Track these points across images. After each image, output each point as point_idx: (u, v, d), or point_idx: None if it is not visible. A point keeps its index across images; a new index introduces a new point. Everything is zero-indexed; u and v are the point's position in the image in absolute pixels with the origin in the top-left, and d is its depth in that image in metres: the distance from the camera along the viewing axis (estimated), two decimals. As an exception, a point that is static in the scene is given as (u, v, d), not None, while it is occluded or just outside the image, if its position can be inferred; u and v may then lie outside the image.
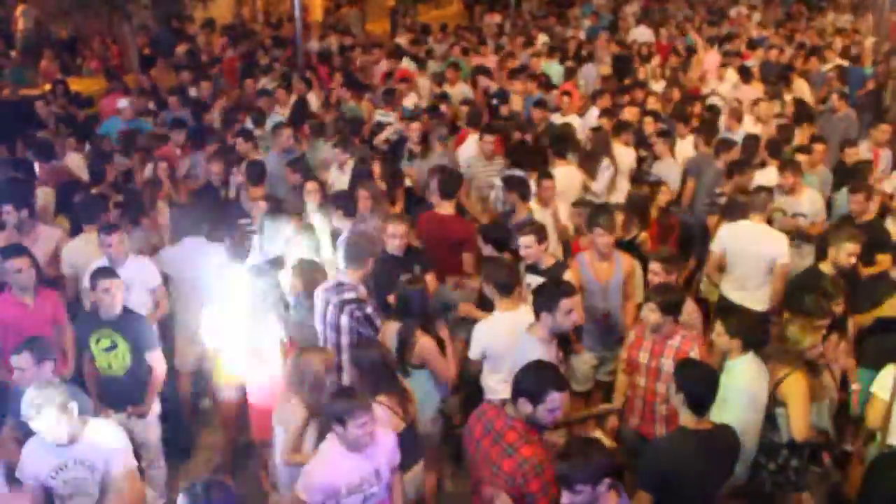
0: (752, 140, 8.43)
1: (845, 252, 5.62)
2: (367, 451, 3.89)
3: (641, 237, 6.57)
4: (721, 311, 6.23)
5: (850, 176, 7.65)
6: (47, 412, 3.85)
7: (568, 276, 5.44)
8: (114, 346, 5.12)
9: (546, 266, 5.62)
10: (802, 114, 9.77)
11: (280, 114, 10.02)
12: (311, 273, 5.67)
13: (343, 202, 6.57)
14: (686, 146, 8.81)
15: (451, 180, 6.60)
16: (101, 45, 16.44)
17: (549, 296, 4.54)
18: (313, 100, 10.92)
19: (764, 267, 6.18)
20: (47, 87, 12.96)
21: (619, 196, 7.91)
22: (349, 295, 5.14)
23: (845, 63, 12.96)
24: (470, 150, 8.26)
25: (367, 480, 3.91)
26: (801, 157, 7.81)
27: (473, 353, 5.02)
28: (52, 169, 8.23)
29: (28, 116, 10.59)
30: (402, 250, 5.77)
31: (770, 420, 4.53)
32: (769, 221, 6.57)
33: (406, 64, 12.99)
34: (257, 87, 11.51)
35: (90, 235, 6.18)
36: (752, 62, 12.94)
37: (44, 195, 7.46)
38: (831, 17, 19.49)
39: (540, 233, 5.61)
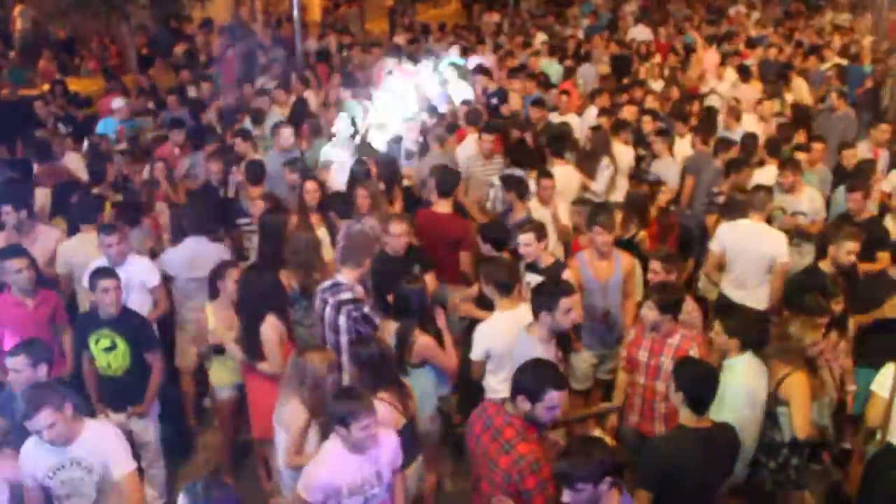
0: (750, 139, 8.44)
1: (845, 250, 5.63)
2: (369, 452, 3.88)
3: (640, 236, 6.58)
4: (720, 310, 6.24)
5: (850, 175, 7.66)
6: (43, 412, 3.83)
7: (567, 274, 5.44)
8: (113, 346, 5.12)
9: (545, 265, 5.62)
10: (799, 116, 9.77)
11: (280, 113, 10.01)
12: (307, 273, 5.67)
13: (337, 204, 6.58)
14: (685, 145, 8.82)
15: (448, 179, 6.61)
16: (100, 46, 16.44)
17: (548, 295, 4.55)
18: (312, 99, 10.91)
19: (763, 265, 6.19)
20: (45, 87, 12.96)
21: (619, 195, 7.92)
22: (346, 295, 5.14)
23: (844, 62, 12.97)
24: (469, 149, 8.26)
25: (368, 481, 3.91)
26: (800, 156, 7.83)
27: (476, 354, 4.98)
28: (50, 169, 8.23)
29: (28, 116, 10.58)
30: (404, 250, 5.76)
31: (771, 419, 4.54)
32: (769, 220, 6.58)
33: (406, 63, 12.98)
34: (256, 86, 11.50)
35: (86, 235, 6.18)
36: (751, 61, 12.95)
37: (41, 196, 7.46)
38: (830, 16, 19.50)
39: (539, 231, 5.62)
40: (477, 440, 3.89)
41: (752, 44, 14.37)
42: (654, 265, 5.38)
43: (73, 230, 6.60)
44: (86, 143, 9.31)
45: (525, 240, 5.57)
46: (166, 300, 6.08)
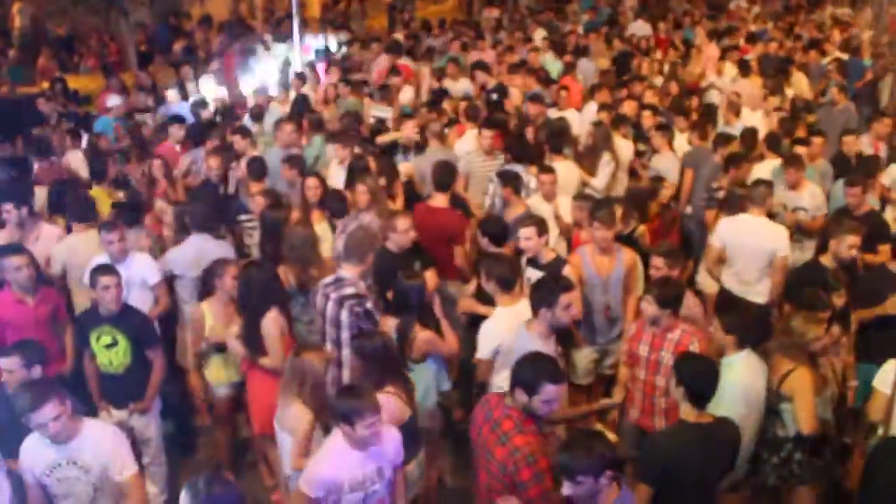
0: (750, 134, 8.43)
1: (846, 244, 5.62)
2: (371, 448, 3.88)
3: (640, 230, 6.57)
4: (720, 306, 6.25)
5: (851, 166, 7.65)
6: (50, 404, 3.83)
7: (568, 270, 5.44)
8: (114, 343, 5.13)
9: (546, 261, 5.62)
10: (798, 110, 9.76)
11: (279, 110, 10.00)
12: (304, 269, 5.68)
13: (333, 202, 6.57)
14: (685, 140, 8.81)
15: (444, 173, 6.62)
16: (99, 43, 16.42)
17: (547, 291, 4.55)
18: (311, 95, 10.90)
19: (764, 260, 6.19)
20: (45, 84, 12.96)
21: (619, 189, 7.92)
22: (349, 290, 5.14)
23: (845, 56, 12.94)
24: (468, 144, 8.25)
25: (369, 478, 3.91)
26: (799, 150, 7.80)
27: (485, 353, 4.92)
28: (49, 167, 8.23)
29: (30, 114, 10.57)
30: (410, 244, 5.77)
31: (775, 415, 4.52)
32: (772, 217, 6.56)
33: (405, 60, 12.97)
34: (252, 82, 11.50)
35: (79, 235, 6.18)
36: (751, 56, 12.92)
37: (40, 194, 7.46)
38: (830, 10, 19.46)
39: (540, 226, 5.61)
40: (478, 431, 3.94)
41: (752, 39, 14.33)
42: (657, 261, 5.38)
43: (71, 229, 6.60)
44: (85, 141, 9.30)
45: (526, 234, 5.57)
46: (167, 297, 6.09)
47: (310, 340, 5.57)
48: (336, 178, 7.67)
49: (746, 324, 4.63)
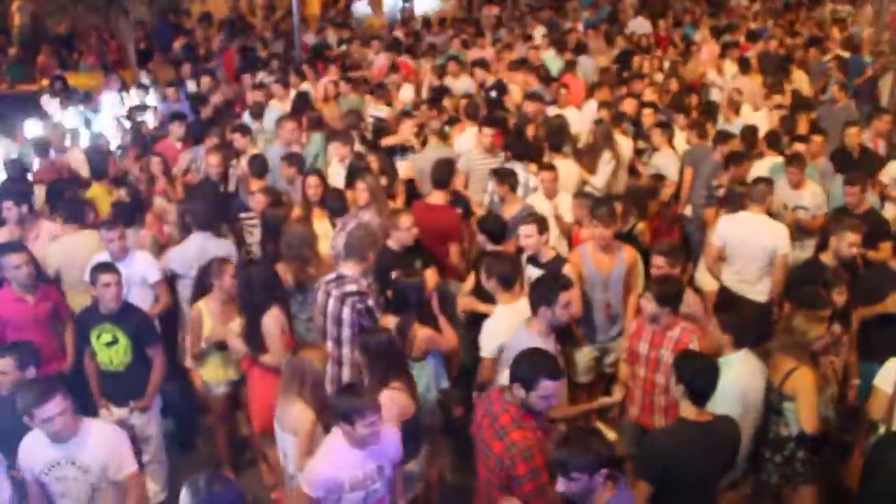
0: (750, 131, 8.42)
1: (847, 242, 5.61)
2: (371, 447, 3.88)
3: (639, 228, 6.57)
4: (719, 305, 6.24)
5: (853, 165, 7.63)
6: (55, 399, 3.83)
7: (568, 268, 5.44)
8: (115, 341, 5.13)
9: (546, 259, 5.61)
10: (799, 106, 9.74)
11: (279, 107, 9.99)
12: (301, 266, 5.68)
13: (332, 201, 6.58)
14: (685, 138, 8.80)
15: (442, 171, 6.62)
16: (99, 41, 16.40)
17: (547, 290, 4.56)
18: (312, 93, 10.90)
19: (764, 258, 6.18)
20: (45, 82, 12.94)
21: (619, 187, 7.91)
22: (351, 287, 5.14)
23: (846, 54, 12.92)
24: (467, 142, 8.25)
25: (370, 476, 3.91)
26: (798, 147, 7.79)
27: (489, 351, 4.91)
28: (49, 165, 8.23)
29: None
30: (412, 242, 5.79)
31: (778, 414, 4.51)
32: (772, 216, 6.55)
33: (405, 57, 12.97)
34: (255, 81, 11.49)
35: (73, 236, 6.16)
36: (751, 53, 12.91)
37: (39, 192, 7.46)
38: (830, 8, 19.43)
39: (541, 223, 5.61)
40: (479, 426, 3.98)
41: (752, 36, 14.32)
42: (657, 259, 5.37)
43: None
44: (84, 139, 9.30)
45: (526, 231, 5.57)
46: (168, 296, 6.09)
47: (308, 338, 5.57)
48: (336, 176, 7.67)
49: (744, 324, 4.62)
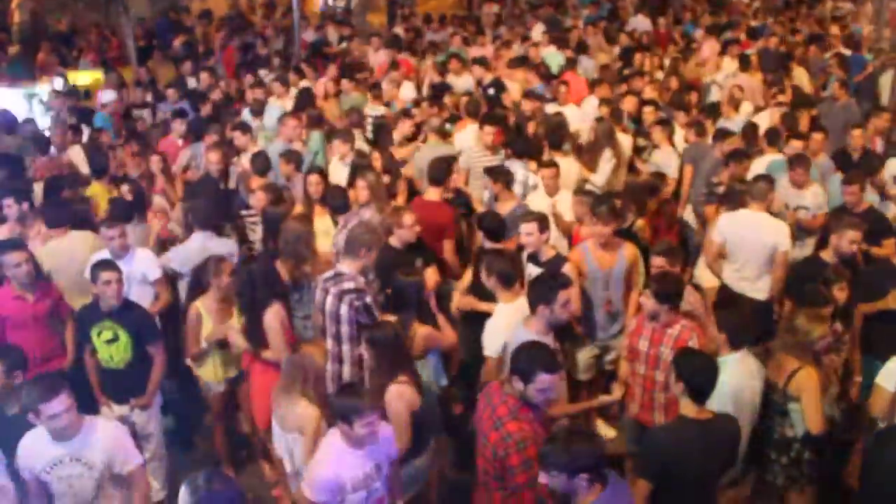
0: (750, 129, 8.41)
1: (847, 239, 5.61)
2: (368, 446, 3.89)
3: (638, 224, 6.57)
4: (718, 303, 6.23)
5: (853, 165, 7.63)
6: (61, 395, 3.84)
7: (569, 267, 5.43)
8: (115, 339, 5.13)
9: (546, 258, 5.61)
10: (799, 102, 9.74)
11: (278, 105, 9.98)
12: (297, 264, 5.68)
13: (334, 198, 6.58)
14: (683, 135, 8.79)
15: (438, 168, 6.65)
16: (99, 38, 16.38)
17: (545, 288, 4.58)
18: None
19: (765, 255, 6.17)
20: (45, 79, 12.93)
21: (618, 184, 7.92)
22: (348, 285, 5.14)
23: (847, 51, 12.91)
24: (468, 139, 8.24)
25: (370, 476, 3.91)
26: (795, 144, 7.77)
27: (493, 350, 4.91)
28: (49, 162, 8.22)
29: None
30: (414, 240, 5.80)
31: (783, 415, 4.50)
32: (773, 215, 6.54)
33: (405, 55, 12.95)
34: (256, 78, 11.48)
35: (60, 240, 6.13)
36: (751, 51, 12.89)
37: (38, 190, 7.45)
38: (830, 5, 19.41)
39: (542, 222, 5.60)
40: (479, 417, 4.04)
41: (753, 34, 14.30)
42: (657, 260, 5.36)
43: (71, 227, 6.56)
44: (86, 136, 9.30)
45: (527, 229, 5.56)
46: (168, 294, 6.10)
47: (305, 336, 5.59)
48: (336, 174, 7.67)
49: (740, 324, 4.58)
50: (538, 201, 6.74)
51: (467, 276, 5.92)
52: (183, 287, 6.18)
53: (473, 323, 5.40)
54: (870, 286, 5.61)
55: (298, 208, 6.78)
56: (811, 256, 6.06)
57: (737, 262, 6.34)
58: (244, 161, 7.84)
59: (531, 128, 8.88)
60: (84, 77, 13.05)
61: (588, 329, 5.78)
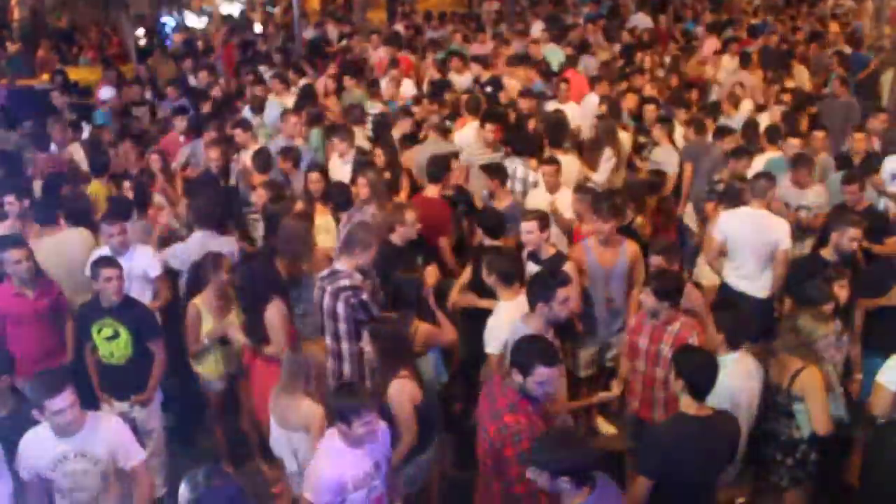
0: (751, 127, 8.40)
1: (848, 236, 5.60)
2: (368, 445, 3.89)
3: (638, 222, 6.56)
4: (717, 302, 6.21)
5: (853, 166, 7.62)
6: (66, 391, 3.84)
7: (569, 266, 5.42)
8: (116, 335, 5.13)
9: (546, 256, 5.60)
10: (800, 102, 9.73)
11: (277, 102, 9.97)
12: (294, 261, 5.69)
13: (336, 195, 6.58)
14: (683, 133, 8.78)
15: (436, 165, 6.66)
16: (98, 35, 16.39)
17: (544, 286, 4.58)
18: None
19: (766, 253, 6.15)
20: (45, 76, 12.93)
21: (619, 181, 7.91)
22: (344, 282, 5.13)
23: (848, 49, 12.90)
24: (468, 136, 8.24)
25: (370, 474, 3.91)
26: (793, 142, 7.75)
27: (495, 347, 4.89)
28: (49, 159, 8.22)
29: (42, 106, 10.56)
30: (416, 236, 5.82)
31: (789, 416, 4.47)
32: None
33: (405, 52, 12.94)
34: (256, 75, 11.47)
35: (51, 238, 6.12)
36: (752, 48, 12.89)
37: (38, 187, 7.45)
38: (831, 3, 19.40)
39: (543, 220, 5.59)
40: (481, 410, 4.08)
41: (753, 31, 14.28)
42: (655, 259, 5.36)
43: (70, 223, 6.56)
44: (86, 133, 9.29)
45: (528, 228, 5.55)
46: (168, 291, 6.10)
47: (303, 332, 5.58)
48: (336, 171, 7.67)
49: (739, 324, 4.54)
50: (539, 199, 6.73)
51: (466, 274, 5.92)
52: (183, 284, 6.18)
53: (473, 320, 5.40)
54: (872, 283, 5.61)
55: (299, 205, 6.77)
56: (811, 254, 6.05)
57: (737, 260, 6.33)
58: (244, 158, 7.83)
59: (531, 125, 8.86)
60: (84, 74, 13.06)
61: (589, 326, 5.78)
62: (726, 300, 6.02)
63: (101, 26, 16.69)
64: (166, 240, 6.69)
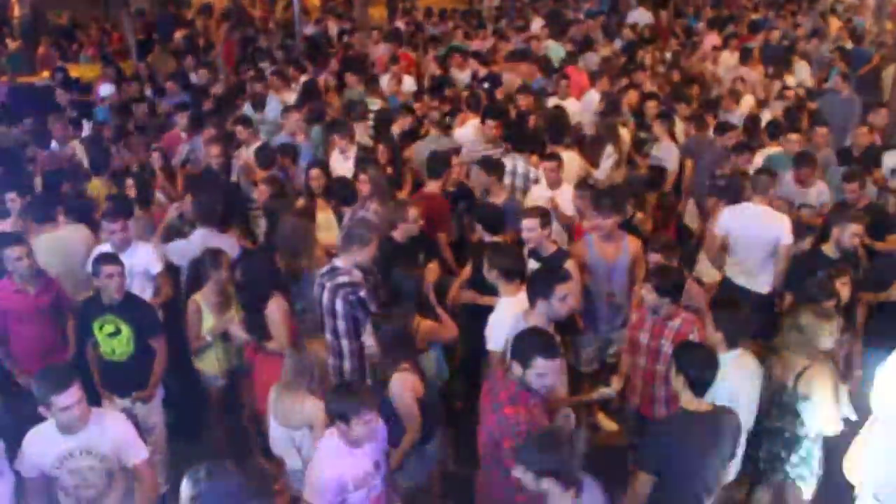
0: (752, 122, 8.39)
1: (849, 232, 5.59)
2: (367, 444, 3.88)
3: (638, 217, 6.56)
4: (716, 300, 6.20)
5: (854, 162, 7.62)
6: (73, 387, 3.84)
7: (570, 263, 5.41)
8: (117, 332, 5.14)
9: (548, 253, 5.59)
10: (801, 105, 9.72)
11: (278, 100, 9.97)
12: (292, 258, 5.69)
13: (339, 191, 6.58)
14: (683, 129, 8.78)
15: (436, 161, 6.66)
16: (99, 32, 16.38)
17: (544, 283, 4.57)
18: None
19: (768, 249, 6.15)
20: (45, 73, 12.93)
21: (618, 177, 7.91)
22: (342, 279, 5.14)
23: (849, 45, 12.88)
24: (469, 133, 8.23)
25: (370, 473, 3.91)
26: (794, 137, 7.74)
27: (497, 344, 4.87)
28: (50, 157, 8.22)
29: (44, 103, 10.56)
30: (417, 233, 5.83)
31: (795, 415, 4.46)
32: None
33: (406, 49, 12.94)
34: (256, 72, 11.46)
35: (47, 236, 6.11)
36: (753, 44, 12.88)
37: (39, 184, 7.46)
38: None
39: (544, 217, 5.58)
40: (482, 402, 4.09)
41: (754, 27, 14.27)
42: (654, 256, 5.35)
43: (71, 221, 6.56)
44: (86, 131, 9.29)
45: (528, 225, 5.53)
46: (169, 287, 6.10)
47: (301, 328, 5.58)
48: (337, 167, 7.67)
49: (738, 322, 4.52)
50: (539, 195, 6.73)
51: (466, 270, 5.92)
52: (184, 281, 6.19)
53: (474, 317, 5.39)
54: (874, 279, 5.61)
55: (300, 202, 6.78)
56: (811, 250, 6.04)
57: (738, 256, 6.33)
58: (245, 154, 7.83)
59: (532, 121, 8.86)
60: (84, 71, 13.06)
61: (591, 322, 5.77)
62: (725, 298, 6.02)
63: (101, 23, 16.69)
64: (169, 235, 6.69)
